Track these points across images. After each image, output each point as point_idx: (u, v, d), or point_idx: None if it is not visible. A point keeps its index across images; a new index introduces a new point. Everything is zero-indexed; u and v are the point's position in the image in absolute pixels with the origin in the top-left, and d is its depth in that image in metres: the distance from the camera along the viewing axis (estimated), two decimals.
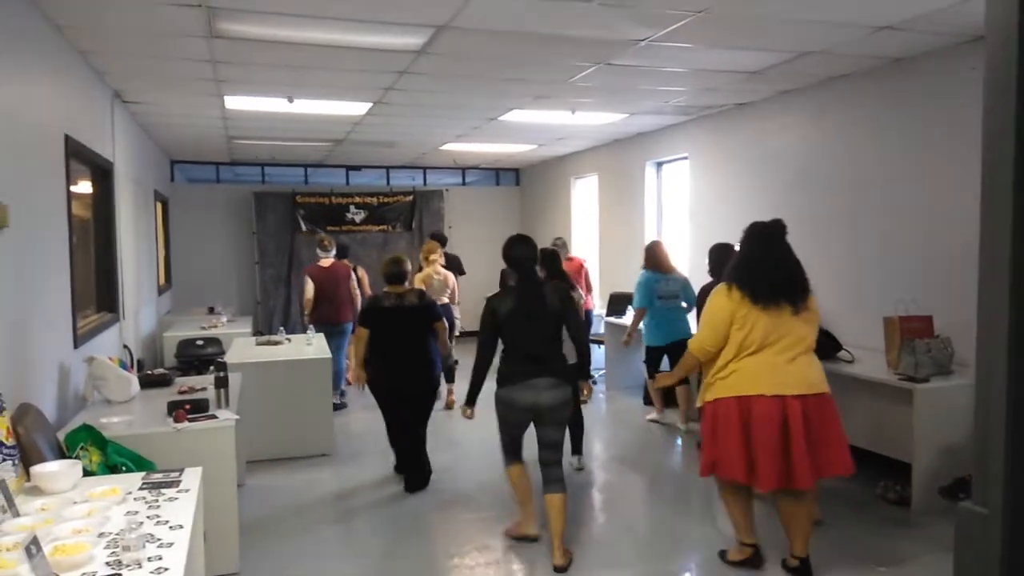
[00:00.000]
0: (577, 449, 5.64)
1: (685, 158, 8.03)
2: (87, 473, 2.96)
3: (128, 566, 2.08)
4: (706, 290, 5.15)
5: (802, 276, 3.73)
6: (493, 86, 6.07)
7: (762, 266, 3.66)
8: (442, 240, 8.60)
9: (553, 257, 5.63)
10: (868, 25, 4.44)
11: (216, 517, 3.53)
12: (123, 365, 4.53)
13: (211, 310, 9.04)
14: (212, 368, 4.62)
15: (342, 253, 8.17)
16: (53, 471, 2.73)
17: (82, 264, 5.04)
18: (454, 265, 8.38)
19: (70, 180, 4.50)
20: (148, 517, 2.49)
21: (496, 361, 4.18)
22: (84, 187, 5.40)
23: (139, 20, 4.22)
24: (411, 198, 11.83)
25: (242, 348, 6.49)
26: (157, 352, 7.60)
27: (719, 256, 5.40)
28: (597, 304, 9.09)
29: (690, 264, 7.52)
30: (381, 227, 11.67)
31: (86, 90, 5.18)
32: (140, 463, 3.25)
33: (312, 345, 6.46)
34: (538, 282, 4.18)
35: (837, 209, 5.95)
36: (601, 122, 7.82)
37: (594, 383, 8.42)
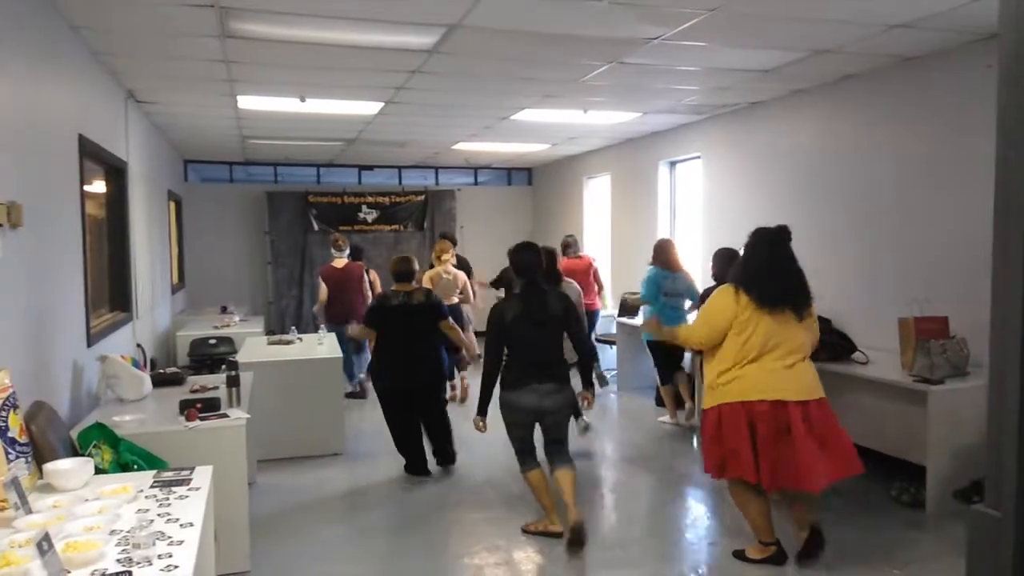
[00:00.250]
0: (577, 412, 5.77)
1: (698, 157, 7.99)
2: (99, 471, 2.97)
3: (138, 563, 2.08)
4: (709, 293, 5.15)
5: (805, 283, 3.80)
6: (505, 85, 6.07)
7: (770, 270, 3.71)
8: (454, 242, 8.63)
9: (549, 257, 5.65)
10: (882, 23, 4.40)
11: (227, 515, 3.54)
12: (136, 364, 4.56)
13: (224, 309, 9.08)
14: (224, 367, 4.65)
15: (356, 255, 8.23)
16: (65, 469, 2.75)
17: (96, 263, 5.08)
18: (463, 267, 8.39)
19: (84, 179, 4.53)
20: (159, 515, 2.50)
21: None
22: (98, 186, 5.43)
23: (152, 20, 4.24)
24: (423, 198, 11.85)
25: (254, 347, 6.52)
26: (170, 351, 7.64)
27: (723, 260, 5.40)
28: (609, 304, 9.06)
29: (703, 264, 7.48)
30: (393, 227, 11.69)
31: (100, 90, 5.21)
32: (152, 461, 3.27)
33: (323, 345, 6.48)
34: (542, 288, 4.29)
35: (851, 208, 5.90)
36: (613, 121, 7.80)
37: (605, 383, 8.46)
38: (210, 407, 3.97)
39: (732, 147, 7.38)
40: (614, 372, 8.46)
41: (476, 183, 12.79)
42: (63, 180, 4.17)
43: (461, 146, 9.68)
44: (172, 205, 9.20)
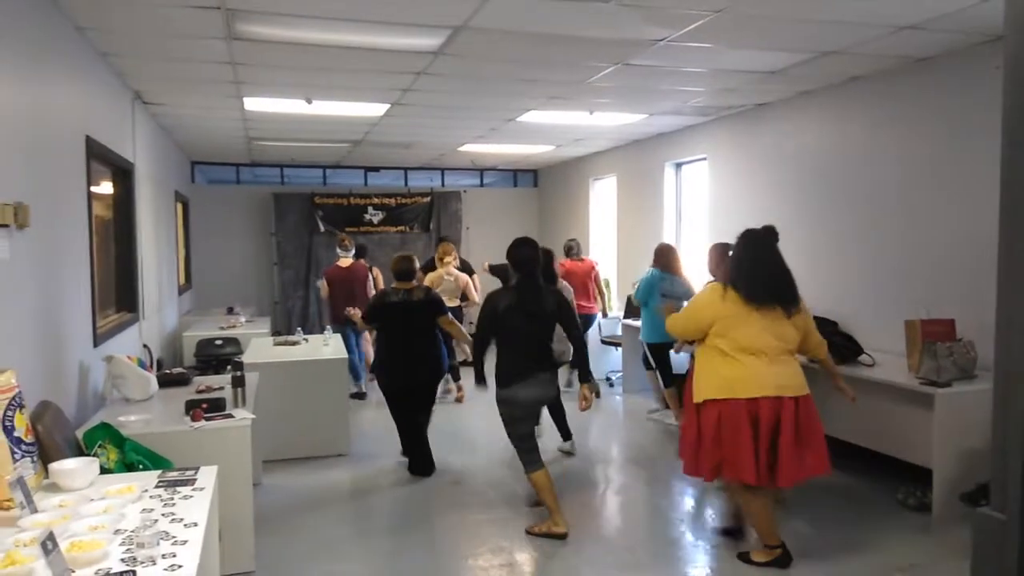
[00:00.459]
0: (567, 434, 5.95)
1: (704, 159, 7.98)
2: (104, 471, 2.98)
3: (143, 563, 2.09)
4: None
5: (792, 281, 3.89)
6: (510, 87, 6.07)
7: (757, 268, 3.80)
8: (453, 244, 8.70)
9: (546, 257, 5.69)
10: (889, 25, 4.39)
11: (232, 516, 3.55)
12: (142, 364, 4.57)
13: (230, 310, 9.11)
14: (230, 368, 4.66)
15: (360, 254, 8.26)
16: (71, 468, 2.76)
17: (103, 264, 5.10)
18: (464, 270, 8.41)
19: (91, 181, 4.55)
20: (163, 515, 2.50)
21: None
22: (105, 188, 5.45)
23: (158, 22, 4.25)
24: (429, 199, 11.86)
25: (260, 348, 6.53)
26: (176, 351, 7.67)
27: (717, 254, 5.41)
28: (614, 307, 9.05)
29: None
30: (399, 228, 11.71)
31: (107, 91, 5.23)
32: (157, 461, 3.28)
33: (329, 346, 6.49)
34: (538, 283, 4.38)
35: (857, 209, 5.88)
36: (619, 123, 7.80)
37: (611, 385, 8.46)
38: (215, 407, 3.98)
39: (738, 149, 7.37)
40: (620, 374, 8.45)
41: (482, 185, 12.80)
42: (70, 181, 4.18)
43: (467, 148, 9.69)
44: (179, 206, 9.23)
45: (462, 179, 12.62)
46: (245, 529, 3.82)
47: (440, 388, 6.43)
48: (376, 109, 6.91)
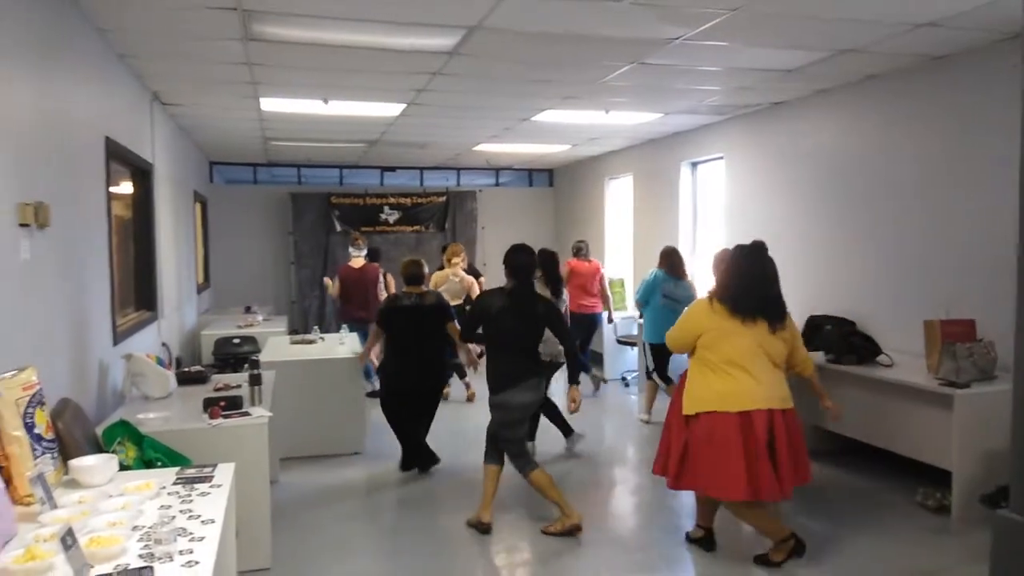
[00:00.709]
0: (568, 431, 6.02)
1: (720, 158, 7.94)
2: (123, 467, 3.01)
3: (160, 559, 2.11)
4: None
5: (778, 297, 3.94)
6: (525, 86, 6.07)
7: (746, 283, 3.85)
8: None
9: (551, 259, 5.70)
10: (907, 23, 4.35)
11: (249, 513, 3.57)
12: (160, 362, 4.61)
13: (248, 309, 9.17)
14: (247, 366, 4.69)
15: (373, 256, 8.29)
16: (90, 465, 2.79)
17: (122, 263, 5.15)
18: (471, 274, 8.41)
19: (110, 181, 4.59)
20: (181, 511, 2.53)
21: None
22: (124, 188, 5.51)
23: (176, 23, 4.29)
24: (444, 199, 11.88)
25: (277, 347, 6.57)
26: (195, 350, 7.73)
27: (717, 262, 5.38)
28: (631, 306, 9.02)
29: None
30: (414, 228, 11.74)
31: (126, 92, 5.29)
32: (175, 458, 3.31)
33: (345, 344, 6.52)
34: (532, 290, 4.50)
35: (875, 210, 5.83)
36: (635, 122, 7.77)
37: (626, 385, 8.44)
38: (233, 405, 4.01)
39: (754, 148, 7.33)
40: (635, 374, 8.43)
41: (497, 184, 12.80)
42: (90, 181, 4.23)
43: (482, 147, 9.70)
44: (197, 206, 9.31)
45: (477, 179, 12.63)
46: (262, 526, 3.85)
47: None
48: (392, 109, 6.93)
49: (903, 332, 5.38)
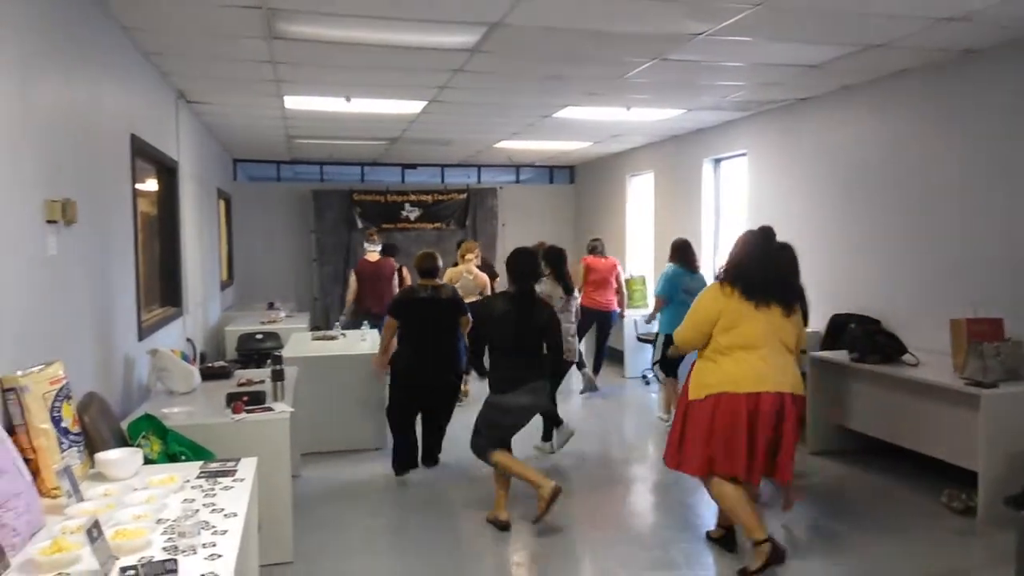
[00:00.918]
0: (548, 436, 5.85)
1: (743, 155, 7.88)
2: (148, 461, 3.04)
3: (183, 551, 2.13)
4: None
5: (791, 279, 3.85)
6: (547, 83, 6.06)
7: (755, 265, 3.78)
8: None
9: (559, 256, 5.62)
10: (936, 16, 4.28)
11: (271, 507, 3.60)
12: (185, 357, 4.67)
13: (271, 305, 9.24)
14: (270, 362, 4.73)
15: (389, 252, 8.30)
16: (116, 459, 2.83)
17: (147, 260, 5.21)
18: (488, 270, 8.39)
19: (136, 178, 4.65)
20: (204, 505, 2.55)
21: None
22: (150, 185, 5.57)
23: (201, 21, 4.34)
24: (465, 196, 11.90)
25: (299, 343, 6.62)
26: (219, 345, 7.81)
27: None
28: (651, 304, 8.97)
29: None
30: (435, 225, 11.78)
31: (151, 90, 5.34)
32: (199, 452, 3.34)
33: (366, 341, 6.55)
34: (534, 295, 4.49)
35: (901, 207, 5.75)
36: (657, 118, 7.73)
37: (647, 383, 8.43)
38: (256, 400, 4.05)
39: (779, 144, 7.25)
40: (654, 372, 8.39)
41: (518, 181, 12.80)
42: (116, 178, 4.28)
43: (503, 144, 9.70)
44: (221, 203, 9.40)
45: (498, 176, 12.63)
46: (284, 520, 3.88)
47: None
48: (413, 107, 6.95)
49: (929, 331, 5.31)
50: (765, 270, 3.76)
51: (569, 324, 5.92)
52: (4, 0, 2.72)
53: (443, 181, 12.30)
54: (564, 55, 5.13)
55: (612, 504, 5.02)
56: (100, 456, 2.82)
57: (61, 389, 2.72)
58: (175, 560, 2.03)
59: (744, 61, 5.35)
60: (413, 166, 12.00)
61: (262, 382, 4.59)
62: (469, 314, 5.47)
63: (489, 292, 7.72)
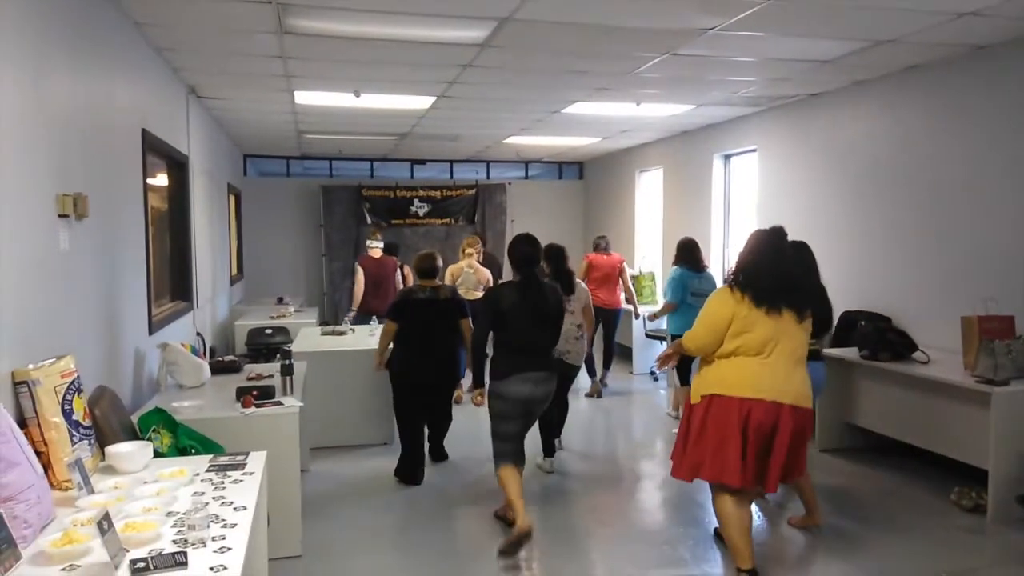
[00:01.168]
0: (551, 451, 5.53)
1: (754, 150, 7.84)
2: (158, 454, 3.07)
3: (193, 544, 2.15)
4: None
5: (803, 284, 3.69)
6: (556, 78, 6.04)
7: (765, 270, 3.59)
8: (483, 240, 8.72)
9: (559, 254, 5.52)
10: (949, 11, 4.25)
11: (280, 501, 3.62)
12: (195, 351, 4.68)
13: (280, 300, 9.28)
14: (279, 356, 4.75)
15: (390, 250, 8.29)
16: (126, 452, 2.84)
17: (158, 254, 5.23)
18: (492, 264, 8.36)
19: (147, 173, 4.67)
20: (214, 498, 2.57)
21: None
22: (161, 179, 5.60)
23: (212, 17, 4.35)
24: (474, 192, 11.90)
25: (308, 337, 6.64)
26: (229, 340, 7.85)
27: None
28: (660, 301, 8.96)
29: None
30: (444, 220, 11.78)
31: (162, 86, 5.36)
32: (208, 446, 3.36)
33: (375, 336, 6.55)
34: (540, 281, 4.34)
35: (913, 204, 5.72)
36: (667, 114, 7.70)
37: (655, 379, 8.41)
38: (265, 395, 4.07)
39: (789, 140, 7.22)
40: (664, 369, 8.37)
41: (527, 177, 12.79)
42: (127, 173, 4.30)
43: (512, 140, 9.69)
44: (232, 198, 9.43)
45: (507, 171, 12.63)
46: (293, 514, 3.90)
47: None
48: (423, 102, 6.95)
49: (940, 328, 5.28)
50: (775, 275, 3.58)
51: (571, 326, 5.51)
52: None
53: (452, 177, 12.30)
54: (574, 50, 5.11)
55: (619, 501, 5.02)
56: (110, 449, 2.84)
57: (72, 383, 2.74)
58: (185, 553, 2.05)
59: (755, 56, 5.33)
60: (422, 162, 12.01)
61: (271, 376, 4.60)
62: (470, 318, 5.31)
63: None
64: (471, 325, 5.24)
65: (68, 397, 2.69)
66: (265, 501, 2.98)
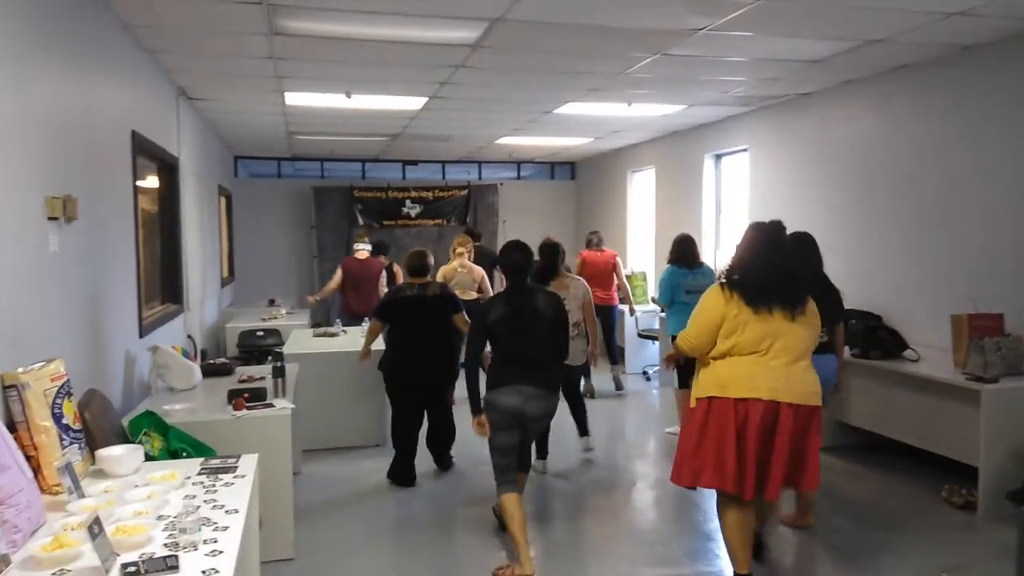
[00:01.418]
0: (584, 430, 5.75)
1: (745, 150, 7.87)
2: (149, 458, 3.05)
3: (184, 548, 2.13)
4: None
5: (796, 281, 3.54)
6: (548, 79, 6.05)
7: (756, 268, 3.49)
8: (476, 236, 8.70)
9: (553, 251, 5.43)
10: (938, 11, 4.27)
11: (272, 504, 3.61)
12: (186, 354, 4.67)
13: (271, 302, 9.25)
14: (270, 358, 4.74)
15: (379, 250, 8.27)
16: (117, 455, 2.83)
17: (148, 256, 5.21)
18: (488, 260, 8.34)
19: (137, 175, 4.65)
20: (205, 501, 2.55)
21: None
22: (151, 181, 5.57)
23: (202, 18, 4.33)
24: (466, 192, 11.89)
25: (300, 339, 6.63)
26: (220, 342, 7.82)
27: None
28: (649, 302, 8.99)
29: None
30: (436, 221, 11.76)
31: (152, 87, 5.34)
32: (200, 449, 3.35)
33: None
34: (529, 289, 4.04)
35: (903, 202, 5.75)
36: (658, 114, 7.72)
37: (647, 379, 8.42)
38: (257, 397, 4.05)
39: (780, 139, 7.24)
40: (656, 368, 8.40)
41: (519, 177, 12.79)
42: (117, 175, 4.28)
43: (504, 140, 9.69)
44: (222, 200, 9.39)
45: (499, 172, 12.63)
46: (285, 517, 3.88)
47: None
48: (414, 103, 6.94)
49: (930, 326, 5.31)
50: (766, 274, 3.48)
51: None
52: None
53: (444, 177, 12.29)
54: (566, 51, 5.12)
55: (612, 500, 5.03)
56: (101, 453, 2.83)
57: (62, 386, 2.73)
58: (176, 556, 2.04)
59: (745, 56, 5.34)
60: (414, 162, 12.00)
61: (263, 379, 4.59)
62: (464, 312, 5.29)
63: (488, 284, 7.70)
64: (467, 319, 5.15)
65: (58, 401, 2.67)
66: (257, 504, 2.97)
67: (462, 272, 7.50)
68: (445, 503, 4.91)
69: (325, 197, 11.46)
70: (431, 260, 5.55)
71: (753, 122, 7.62)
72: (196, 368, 4.59)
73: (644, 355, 8.82)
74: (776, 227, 3.62)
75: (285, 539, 3.91)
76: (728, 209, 8.49)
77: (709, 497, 4.89)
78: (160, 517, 2.35)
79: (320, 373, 5.80)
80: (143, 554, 2.08)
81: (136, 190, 4.62)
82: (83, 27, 3.70)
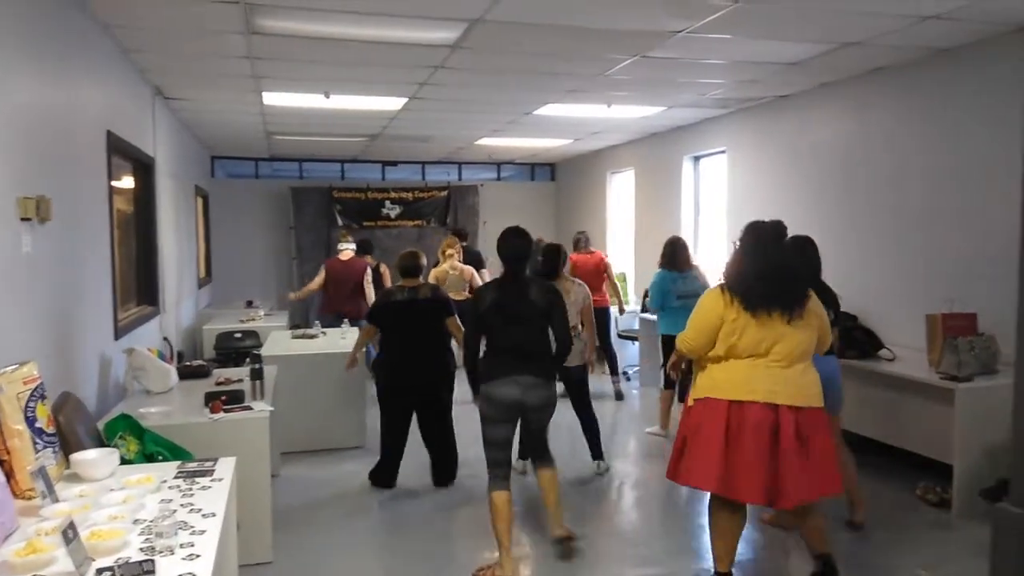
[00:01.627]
0: (597, 454, 5.49)
1: (723, 152, 7.93)
2: (125, 461, 3.01)
3: (161, 552, 2.11)
4: None
5: (795, 284, 3.51)
6: (528, 80, 6.06)
7: (757, 272, 3.45)
8: (463, 235, 8.67)
9: (554, 253, 5.41)
10: (913, 15, 4.33)
11: (250, 507, 3.58)
12: (162, 356, 4.62)
13: (249, 304, 9.18)
14: (248, 360, 4.70)
15: (363, 249, 8.24)
16: (92, 459, 2.79)
17: (124, 258, 5.15)
18: (475, 260, 8.31)
19: (112, 175, 4.59)
20: (182, 505, 2.53)
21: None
22: (126, 182, 5.51)
23: (179, 17, 4.29)
24: (446, 193, 11.87)
25: (278, 341, 6.58)
26: (197, 344, 7.74)
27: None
28: (632, 300, 9.04)
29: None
30: (416, 222, 11.74)
31: (128, 87, 5.28)
32: (176, 452, 3.31)
33: (346, 339, 6.52)
34: (523, 278, 3.98)
35: (879, 204, 5.82)
36: (637, 115, 7.76)
37: (627, 379, 8.44)
38: (234, 400, 4.02)
39: (758, 141, 7.31)
40: (636, 368, 8.43)
41: (499, 178, 12.79)
42: (91, 176, 4.23)
43: (484, 141, 9.69)
44: (199, 201, 9.31)
45: (480, 173, 12.62)
46: (263, 520, 3.86)
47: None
48: (394, 103, 6.92)
49: (907, 327, 5.37)
50: (765, 278, 3.43)
51: None
52: None
53: (424, 178, 12.26)
54: (545, 52, 5.12)
55: (595, 501, 5.03)
56: (75, 456, 2.79)
57: (35, 389, 2.68)
58: (152, 561, 2.02)
59: (723, 59, 5.38)
60: (394, 163, 11.96)
61: (241, 381, 4.55)
62: (457, 317, 5.22)
63: (478, 282, 7.67)
64: (459, 324, 5.11)
65: (31, 404, 2.63)
66: (234, 507, 2.94)
67: (453, 274, 7.49)
68: (426, 505, 4.90)
69: (304, 198, 11.39)
70: (423, 261, 5.43)
71: (731, 124, 7.68)
72: (172, 370, 4.54)
73: (624, 356, 8.85)
74: (776, 228, 3.61)
75: (263, 542, 3.88)
76: (707, 210, 8.55)
77: (691, 496, 4.93)
78: (136, 521, 2.32)
79: (299, 375, 5.76)
80: (119, 559, 2.05)
81: (111, 190, 4.57)
82: (59, 27, 3.65)
